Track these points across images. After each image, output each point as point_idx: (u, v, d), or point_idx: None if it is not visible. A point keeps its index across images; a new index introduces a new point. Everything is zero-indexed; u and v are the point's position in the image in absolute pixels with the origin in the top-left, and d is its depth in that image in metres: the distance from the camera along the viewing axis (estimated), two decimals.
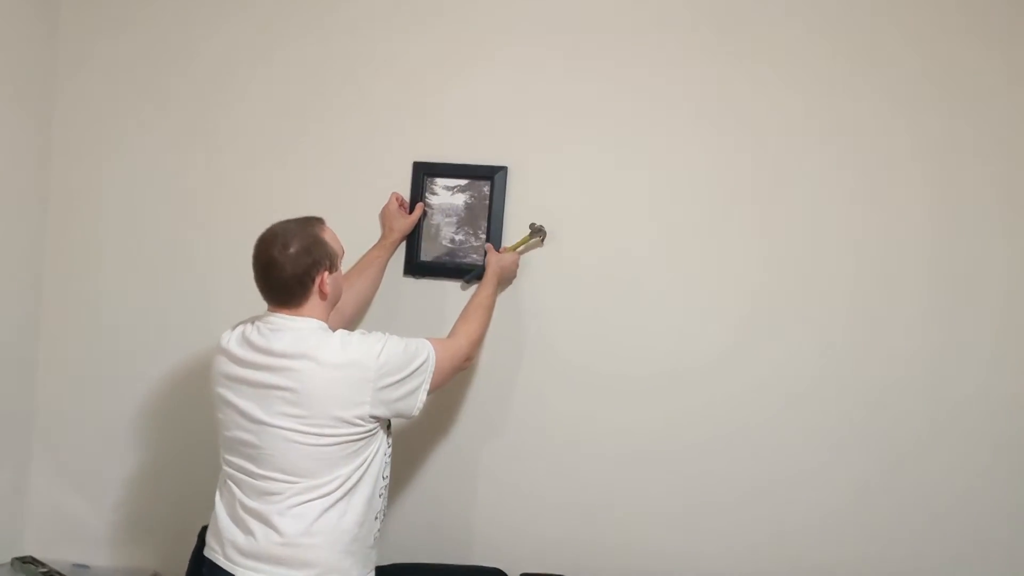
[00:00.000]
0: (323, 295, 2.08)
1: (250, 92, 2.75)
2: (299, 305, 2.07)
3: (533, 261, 2.61)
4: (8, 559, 2.77)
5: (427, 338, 2.17)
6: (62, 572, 2.67)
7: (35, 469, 2.90)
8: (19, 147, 2.73)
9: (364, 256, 2.58)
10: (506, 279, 2.56)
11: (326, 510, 2.01)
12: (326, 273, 2.07)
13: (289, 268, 2.03)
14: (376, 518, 2.13)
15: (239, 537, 2.04)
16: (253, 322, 2.10)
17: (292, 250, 2.03)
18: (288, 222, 2.09)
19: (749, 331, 2.52)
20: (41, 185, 2.83)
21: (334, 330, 2.09)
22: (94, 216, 2.84)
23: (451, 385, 2.52)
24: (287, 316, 2.07)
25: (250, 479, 2.05)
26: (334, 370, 2.00)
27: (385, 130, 2.67)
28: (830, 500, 2.50)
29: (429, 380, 2.12)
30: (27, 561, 2.74)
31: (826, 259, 2.49)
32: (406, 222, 2.61)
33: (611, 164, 2.58)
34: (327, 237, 2.10)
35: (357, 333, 2.09)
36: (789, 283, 2.51)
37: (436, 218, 2.64)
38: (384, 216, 2.63)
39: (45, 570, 2.68)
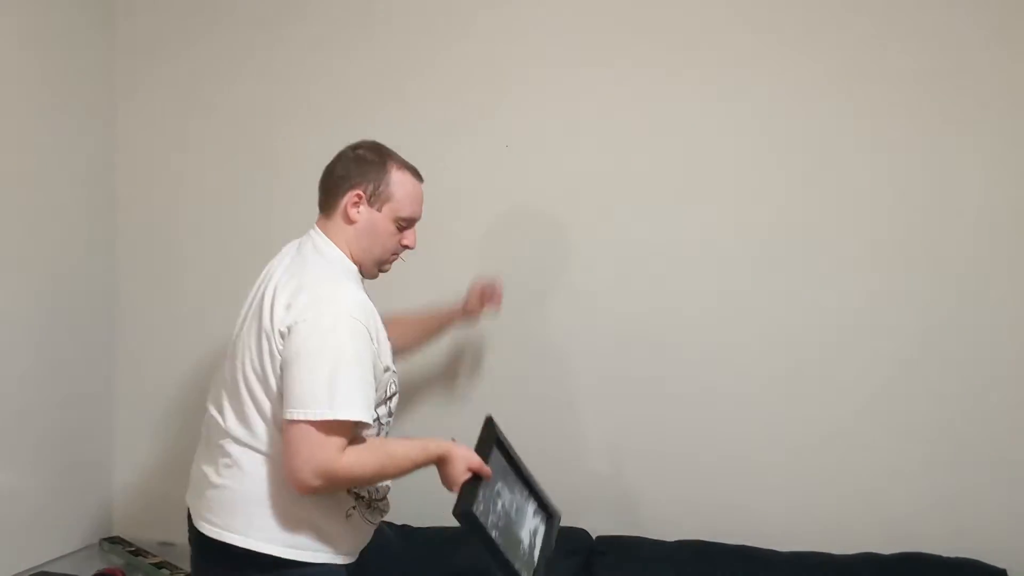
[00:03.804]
0: (348, 219, 1.90)
1: (309, 97, 2.77)
2: (328, 212, 1.94)
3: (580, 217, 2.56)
4: (97, 540, 2.83)
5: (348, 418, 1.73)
6: (149, 550, 2.71)
7: (119, 453, 2.95)
8: (86, 146, 2.80)
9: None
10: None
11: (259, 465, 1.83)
12: (359, 193, 1.89)
13: (338, 166, 1.94)
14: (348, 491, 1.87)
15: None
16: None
17: (360, 152, 1.94)
18: (376, 142, 1.99)
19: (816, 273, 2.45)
20: (107, 185, 2.90)
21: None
22: (163, 214, 2.90)
23: (516, 349, 2.57)
24: (324, 237, 1.92)
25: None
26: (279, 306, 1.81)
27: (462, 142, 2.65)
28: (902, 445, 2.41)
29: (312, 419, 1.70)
30: (115, 541, 2.79)
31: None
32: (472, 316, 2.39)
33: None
34: (394, 176, 1.92)
35: (338, 311, 1.78)
36: (842, 224, 2.44)
37: None
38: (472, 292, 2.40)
39: (132, 549, 2.72)
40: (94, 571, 2.57)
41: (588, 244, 2.58)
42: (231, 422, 1.86)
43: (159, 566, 2.58)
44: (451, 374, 2.67)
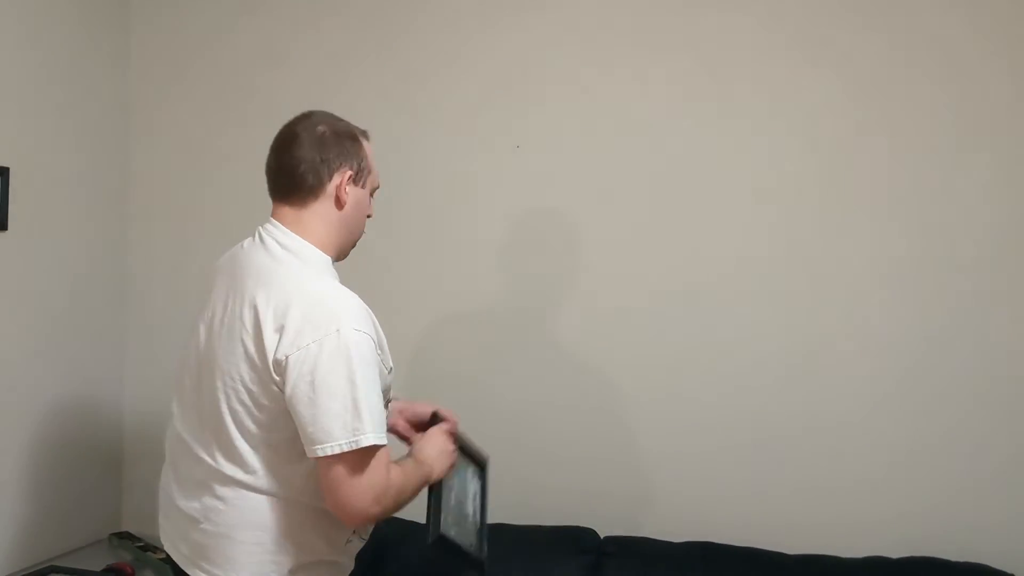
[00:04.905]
0: (339, 202, 1.72)
1: (321, 96, 2.69)
2: (304, 202, 1.71)
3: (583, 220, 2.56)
4: (105, 535, 2.85)
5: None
6: (157, 546, 2.71)
7: (128, 449, 2.97)
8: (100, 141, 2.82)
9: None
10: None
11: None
12: (349, 174, 1.72)
13: (308, 149, 1.70)
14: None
15: None
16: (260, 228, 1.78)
17: (322, 129, 1.71)
18: (326, 112, 1.78)
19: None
20: (119, 183, 2.92)
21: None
22: (177, 212, 2.94)
23: (524, 350, 2.56)
24: (287, 230, 1.72)
25: None
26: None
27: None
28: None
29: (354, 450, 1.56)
30: (123, 536, 2.80)
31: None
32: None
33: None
34: (365, 146, 1.77)
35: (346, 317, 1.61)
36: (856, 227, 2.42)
37: None
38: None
39: (141, 544, 2.74)
40: (103, 566, 2.57)
41: (595, 245, 2.58)
42: (221, 461, 1.68)
43: (167, 561, 2.58)
44: (458, 374, 2.67)
